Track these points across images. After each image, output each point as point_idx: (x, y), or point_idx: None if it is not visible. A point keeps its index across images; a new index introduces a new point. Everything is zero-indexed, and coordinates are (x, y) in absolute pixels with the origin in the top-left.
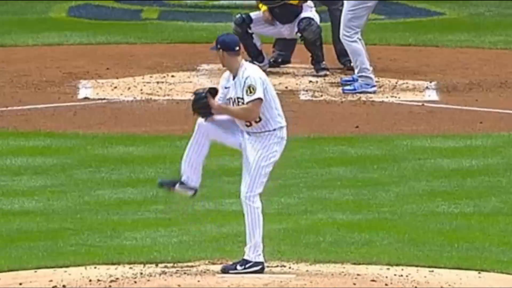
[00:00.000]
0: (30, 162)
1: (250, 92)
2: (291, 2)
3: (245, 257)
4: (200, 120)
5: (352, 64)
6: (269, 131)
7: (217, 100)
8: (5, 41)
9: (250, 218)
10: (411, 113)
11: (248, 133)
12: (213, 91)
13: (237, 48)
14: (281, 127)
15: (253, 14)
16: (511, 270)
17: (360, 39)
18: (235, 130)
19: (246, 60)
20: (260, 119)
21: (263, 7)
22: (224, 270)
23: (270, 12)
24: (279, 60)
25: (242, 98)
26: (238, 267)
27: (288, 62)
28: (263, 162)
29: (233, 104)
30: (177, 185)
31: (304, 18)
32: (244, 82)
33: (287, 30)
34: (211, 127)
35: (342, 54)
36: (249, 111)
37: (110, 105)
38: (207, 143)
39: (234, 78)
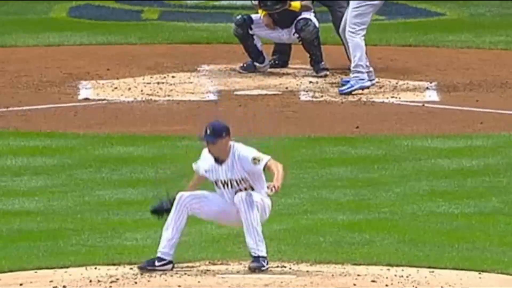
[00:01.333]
0: (31, 162)
1: (259, 160)
2: (292, 8)
3: (263, 254)
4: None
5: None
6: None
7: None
8: (5, 41)
9: (250, 217)
10: (412, 113)
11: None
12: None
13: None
14: (268, 196)
15: (254, 16)
16: None
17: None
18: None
19: (244, 64)
20: (253, 189)
21: (263, 12)
22: (255, 270)
23: (270, 16)
24: (276, 62)
25: (236, 180)
26: (265, 264)
27: (285, 65)
28: (259, 203)
29: (224, 186)
30: (156, 261)
31: (301, 18)
32: (245, 161)
33: (286, 35)
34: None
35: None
36: (278, 165)
37: (110, 106)
38: (185, 217)
39: (221, 162)
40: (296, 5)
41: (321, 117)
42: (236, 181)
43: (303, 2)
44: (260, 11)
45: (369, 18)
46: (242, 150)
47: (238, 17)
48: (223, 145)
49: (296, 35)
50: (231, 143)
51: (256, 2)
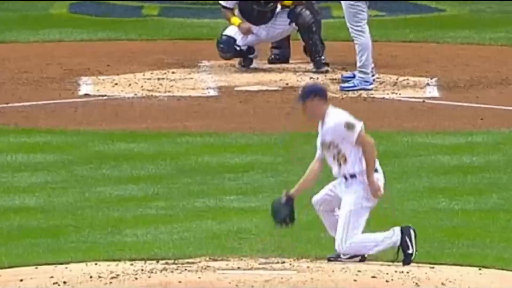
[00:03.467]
0: (31, 159)
1: (350, 128)
2: (284, 4)
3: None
4: (314, 199)
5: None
6: (352, 176)
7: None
8: (6, 38)
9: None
10: (412, 109)
11: (345, 179)
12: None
13: (328, 94)
14: (363, 171)
15: (230, 32)
16: None
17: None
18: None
19: (242, 61)
20: (346, 160)
21: (237, 21)
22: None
23: (244, 18)
24: (277, 57)
25: (327, 144)
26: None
27: (287, 61)
28: (350, 209)
29: (322, 147)
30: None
31: (293, 8)
32: (337, 124)
33: (264, 31)
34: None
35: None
36: (368, 145)
37: (110, 102)
38: (330, 213)
39: (322, 125)
40: (287, 1)
41: None
42: (327, 145)
43: None
44: (233, 19)
45: (366, 13)
46: (334, 114)
47: (221, 46)
48: (312, 107)
49: (293, 25)
50: (328, 106)
51: (225, 4)
